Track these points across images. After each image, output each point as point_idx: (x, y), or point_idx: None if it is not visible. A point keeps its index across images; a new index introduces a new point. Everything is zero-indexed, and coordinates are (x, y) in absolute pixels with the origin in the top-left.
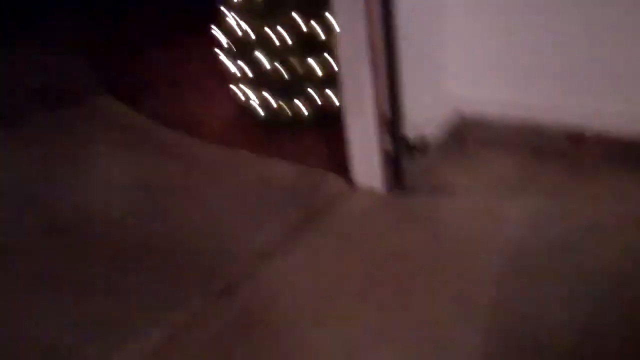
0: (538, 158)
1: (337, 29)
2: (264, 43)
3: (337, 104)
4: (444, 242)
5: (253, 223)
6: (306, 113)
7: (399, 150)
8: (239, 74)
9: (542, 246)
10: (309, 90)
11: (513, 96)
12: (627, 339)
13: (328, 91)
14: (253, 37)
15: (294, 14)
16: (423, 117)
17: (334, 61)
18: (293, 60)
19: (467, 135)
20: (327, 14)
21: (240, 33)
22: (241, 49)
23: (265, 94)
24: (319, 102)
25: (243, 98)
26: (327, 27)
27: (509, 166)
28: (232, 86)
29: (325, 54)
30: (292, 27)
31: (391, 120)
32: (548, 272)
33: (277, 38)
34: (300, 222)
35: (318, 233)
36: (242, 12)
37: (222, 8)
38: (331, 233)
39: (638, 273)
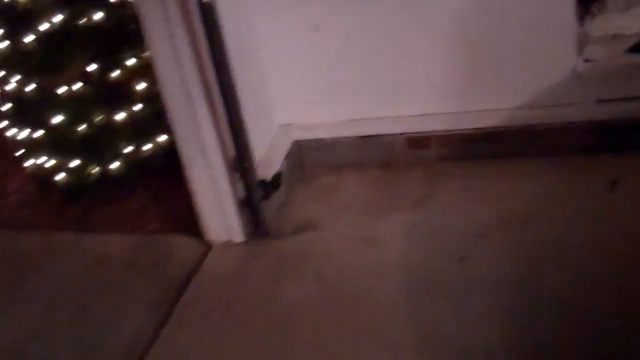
0: (388, 171)
1: (159, 71)
2: (54, 99)
3: (161, 155)
4: (331, 284)
5: (106, 318)
6: (123, 172)
7: (254, 193)
8: (28, 142)
9: (432, 261)
10: (122, 145)
11: (346, 114)
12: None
13: (146, 143)
14: (38, 94)
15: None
16: (268, 152)
17: (154, 107)
18: (95, 115)
19: (312, 162)
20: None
21: (18, 92)
22: (25, 110)
23: (67, 159)
24: (137, 157)
25: (39, 169)
26: (132, 71)
27: (363, 186)
28: (22, 158)
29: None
30: (88, 77)
31: (240, 162)
32: (450, 286)
33: (70, 92)
34: (162, 303)
35: (188, 310)
36: (14, 66)
37: None
38: (204, 307)
39: (534, 272)
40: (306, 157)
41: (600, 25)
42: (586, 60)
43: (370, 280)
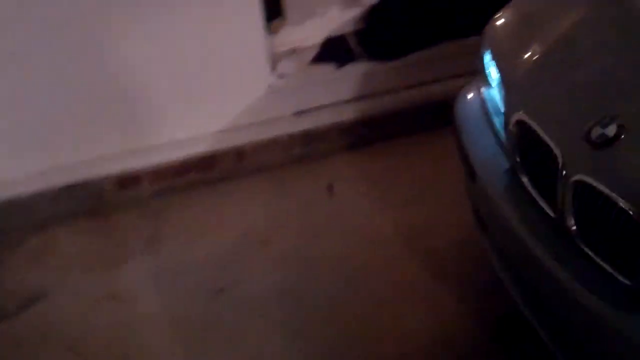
0: (102, 218)
1: None
2: None
3: None
4: (92, 355)
5: None
6: None
7: None
8: None
9: (190, 301)
10: None
11: (39, 164)
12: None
13: None
14: None
15: None
16: None
17: None
18: None
19: (12, 225)
20: None
21: None
22: None
23: None
24: None
25: None
26: None
27: (80, 239)
28: None
29: None
30: None
31: None
32: (219, 320)
33: None
34: None
35: None
36: None
37: None
38: None
39: (291, 285)
40: (2, 219)
41: (284, 39)
42: (280, 75)
43: (134, 339)
